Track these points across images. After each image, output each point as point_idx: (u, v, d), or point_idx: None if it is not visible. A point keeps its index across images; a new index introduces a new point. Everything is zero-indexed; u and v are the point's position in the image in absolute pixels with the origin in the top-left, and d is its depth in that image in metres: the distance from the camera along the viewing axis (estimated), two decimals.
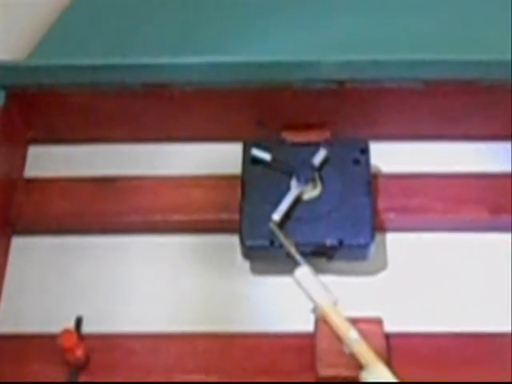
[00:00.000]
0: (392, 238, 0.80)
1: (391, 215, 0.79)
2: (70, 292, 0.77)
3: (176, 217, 0.80)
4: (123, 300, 0.77)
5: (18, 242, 0.80)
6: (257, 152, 0.78)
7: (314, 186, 0.77)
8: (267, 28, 0.90)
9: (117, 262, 0.79)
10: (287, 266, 0.74)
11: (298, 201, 0.77)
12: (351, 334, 0.69)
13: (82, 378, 0.70)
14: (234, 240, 0.77)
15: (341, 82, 0.80)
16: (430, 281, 0.78)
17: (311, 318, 0.73)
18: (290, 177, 0.77)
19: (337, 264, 0.77)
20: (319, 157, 0.78)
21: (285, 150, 0.79)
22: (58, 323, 0.72)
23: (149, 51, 0.83)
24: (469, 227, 0.80)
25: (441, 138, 0.85)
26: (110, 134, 0.84)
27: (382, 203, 0.79)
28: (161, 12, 0.87)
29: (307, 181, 0.76)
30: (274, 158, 0.78)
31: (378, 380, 0.67)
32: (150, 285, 0.78)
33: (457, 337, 0.72)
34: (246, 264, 0.79)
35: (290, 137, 0.81)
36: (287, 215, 0.76)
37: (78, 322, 0.73)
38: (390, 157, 0.83)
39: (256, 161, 0.79)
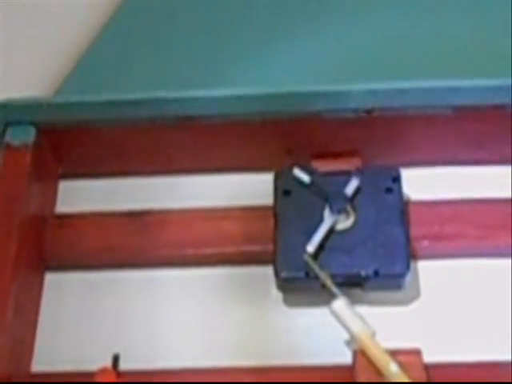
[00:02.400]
0: (424, 266, 0.80)
1: (424, 243, 0.79)
2: (104, 328, 0.77)
3: (207, 250, 0.79)
4: (158, 335, 0.77)
5: (51, 278, 0.80)
6: (298, 172, 0.78)
7: (347, 216, 0.77)
8: (288, 56, 0.90)
9: (150, 296, 0.79)
10: (321, 297, 0.74)
11: (331, 231, 0.76)
12: (391, 367, 0.69)
13: None
14: (266, 271, 0.77)
15: (369, 111, 0.80)
16: (465, 308, 0.77)
17: (347, 350, 0.73)
18: (323, 207, 0.77)
19: (370, 294, 0.77)
20: (351, 186, 0.78)
21: (316, 180, 0.79)
22: (93, 361, 0.72)
23: (176, 84, 0.83)
24: (502, 253, 0.79)
25: (471, 162, 0.84)
26: (139, 167, 0.85)
27: (414, 231, 0.79)
28: (186, 45, 0.88)
29: (340, 211, 0.76)
30: (304, 189, 0.78)
31: None
32: (184, 319, 0.78)
33: (496, 366, 0.72)
34: (280, 296, 0.78)
35: (320, 166, 0.81)
36: (321, 246, 0.76)
37: (115, 359, 0.72)
38: (420, 183, 0.83)
39: (288, 192, 0.79)
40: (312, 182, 0.78)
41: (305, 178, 0.79)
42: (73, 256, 0.80)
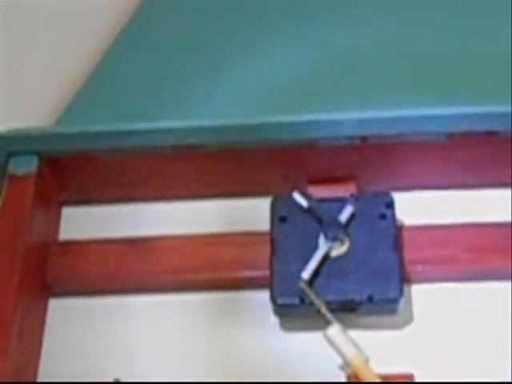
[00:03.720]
0: (418, 290, 0.81)
1: (418, 267, 0.81)
2: (106, 353, 0.79)
3: (206, 275, 0.81)
4: (159, 360, 0.79)
5: (54, 304, 0.82)
6: (297, 197, 0.80)
7: (342, 243, 0.79)
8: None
9: (151, 321, 0.81)
10: (317, 321, 0.76)
11: (326, 258, 0.78)
12: None
13: None
14: (264, 296, 0.78)
15: (363, 138, 0.82)
16: (458, 332, 0.79)
17: (342, 374, 0.75)
18: (318, 233, 0.79)
19: (364, 318, 0.79)
20: (346, 213, 0.80)
21: (312, 206, 0.81)
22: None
23: (177, 113, 0.85)
24: (496, 277, 0.81)
25: (464, 187, 0.86)
26: (140, 194, 0.87)
27: (408, 255, 0.80)
28: (185, 74, 0.90)
29: (335, 238, 0.78)
30: (300, 216, 0.80)
31: None
32: (183, 344, 0.80)
33: None
34: (277, 320, 0.80)
35: (316, 191, 0.83)
36: (316, 272, 0.78)
37: None
38: (414, 208, 0.85)
39: (284, 219, 0.81)
40: (308, 208, 0.80)
41: (303, 202, 0.81)
42: (75, 282, 0.82)
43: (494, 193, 0.86)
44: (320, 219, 0.79)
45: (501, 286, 0.81)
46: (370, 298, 0.76)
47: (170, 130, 0.80)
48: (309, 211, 0.80)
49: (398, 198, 0.82)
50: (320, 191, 0.83)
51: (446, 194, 0.86)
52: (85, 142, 0.81)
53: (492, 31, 0.95)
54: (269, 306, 0.78)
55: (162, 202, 0.87)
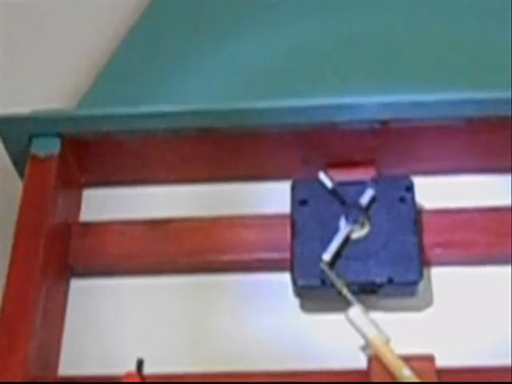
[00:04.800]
0: (437, 273, 0.82)
1: (437, 251, 0.81)
2: (128, 333, 0.80)
3: (227, 257, 0.82)
4: (182, 339, 0.79)
5: (76, 285, 0.83)
6: (323, 177, 0.81)
7: (362, 225, 0.79)
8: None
9: (172, 301, 0.82)
10: (338, 303, 0.77)
11: (347, 240, 0.79)
12: (405, 372, 0.71)
13: None
14: (284, 278, 0.79)
15: (384, 122, 0.82)
16: (477, 314, 0.79)
17: (362, 355, 0.76)
18: (339, 216, 0.80)
19: (385, 300, 0.80)
20: (366, 196, 0.80)
21: (335, 187, 0.81)
22: (118, 365, 0.75)
23: (199, 96, 0.86)
24: None
25: (483, 171, 0.86)
26: (162, 177, 0.87)
27: (427, 239, 0.81)
28: (207, 57, 0.90)
29: (355, 221, 0.79)
30: (321, 199, 0.81)
31: None
32: (205, 323, 0.81)
33: (508, 371, 0.74)
34: (297, 302, 0.81)
35: (336, 175, 0.83)
36: (337, 254, 0.78)
37: (140, 364, 0.75)
38: (433, 192, 0.85)
39: (304, 202, 0.81)
40: (332, 189, 0.81)
41: (328, 183, 0.81)
42: (97, 263, 0.83)
43: None
44: (343, 201, 0.80)
45: None
46: (390, 280, 0.77)
47: (192, 113, 0.81)
48: (332, 192, 0.81)
49: (418, 182, 0.82)
50: (339, 175, 0.83)
51: (465, 178, 0.86)
52: (106, 123, 0.81)
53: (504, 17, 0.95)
54: (288, 288, 0.79)
55: (185, 184, 0.87)
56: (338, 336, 0.78)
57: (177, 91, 0.89)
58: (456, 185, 0.86)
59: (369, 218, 0.80)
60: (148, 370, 0.76)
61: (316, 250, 0.78)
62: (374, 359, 0.73)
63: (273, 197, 0.85)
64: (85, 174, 0.87)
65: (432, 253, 0.81)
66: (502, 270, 0.81)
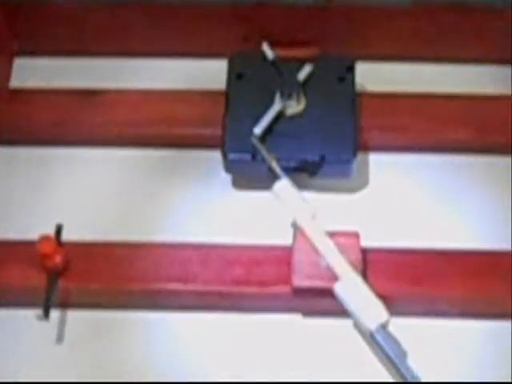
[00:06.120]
0: (374, 158, 0.80)
1: (375, 133, 0.79)
2: (51, 202, 0.78)
3: (158, 130, 0.80)
4: (103, 210, 0.78)
5: (2, 152, 0.80)
6: (266, 48, 0.78)
7: (298, 102, 0.77)
8: None
9: (98, 173, 0.80)
10: (269, 181, 0.75)
11: (281, 116, 0.77)
12: (327, 246, 0.70)
13: (61, 284, 0.71)
14: (217, 156, 0.77)
15: (328, 0, 0.79)
16: (410, 200, 0.78)
17: (291, 233, 0.74)
18: (275, 92, 0.77)
19: (319, 181, 0.78)
20: (304, 72, 0.78)
21: (270, 65, 0.79)
22: (38, 232, 0.73)
23: None
24: (452, 148, 0.80)
25: (427, 59, 0.84)
26: (95, 48, 0.84)
27: (365, 121, 0.79)
28: None
29: (291, 95, 0.76)
30: (258, 73, 0.78)
31: (352, 291, 0.68)
32: (129, 196, 0.79)
33: (430, 254, 0.73)
34: (228, 179, 0.79)
35: (276, 53, 0.80)
36: (270, 130, 0.76)
37: (58, 229, 0.73)
38: (376, 76, 0.83)
39: (241, 75, 0.79)
40: (273, 61, 0.78)
41: (269, 54, 0.78)
42: (23, 131, 0.80)
43: (454, 67, 0.84)
44: (281, 73, 0.77)
45: (456, 159, 0.80)
46: (323, 158, 0.75)
47: None
48: (272, 64, 0.78)
49: (360, 67, 0.80)
50: (280, 53, 0.80)
51: (408, 65, 0.84)
52: None
53: None
54: (221, 165, 0.77)
55: (118, 57, 0.84)
56: (267, 213, 0.77)
57: None
58: (399, 71, 0.84)
59: (305, 95, 0.77)
60: (68, 237, 0.74)
61: (249, 124, 0.76)
62: (299, 234, 0.72)
63: (209, 74, 0.83)
64: (16, 40, 0.84)
65: (369, 135, 0.79)
66: (437, 158, 0.80)
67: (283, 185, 0.72)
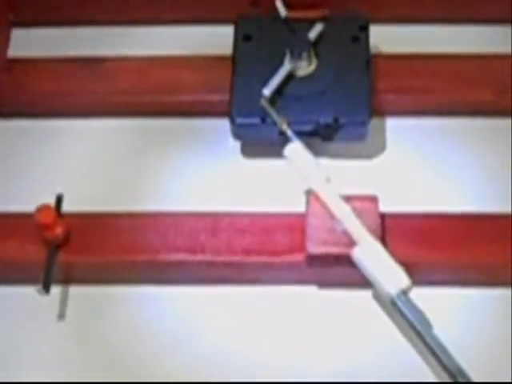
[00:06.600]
0: (391, 123, 0.76)
1: (390, 96, 0.75)
2: (54, 173, 0.75)
3: (164, 98, 0.76)
4: (107, 181, 0.74)
5: (1, 125, 0.77)
6: (279, 4, 0.74)
7: (309, 63, 0.73)
8: None
9: (102, 143, 0.76)
10: (280, 148, 0.70)
11: (292, 77, 0.73)
12: (343, 210, 0.66)
13: (62, 256, 0.68)
14: (224, 123, 0.73)
15: None
16: (428, 164, 0.74)
17: (304, 202, 0.70)
18: (285, 53, 0.73)
19: (333, 146, 0.74)
20: (315, 31, 0.74)
21: (280, 26, 0.75)
22: (39, 203, 0.69)
23: None
24: (470, 110, 0.76)
25: (444, 20, 0.80)
26: (96, 16, 0.81)
27: (381, 84, 0.75)
28: None
29: (301, 55, 0.72)
30: (266, 34, 0.74)
31: (371, 256, 0.64)
32: (134, 167, 0.75)
33: (449, 218, 0.69)
34: (237, 147, 0.75)
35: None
36: (280, 92, 0.72)
37: (59, 199, 0.69)
38: (392, 39, 0.79)
39: (249, 37, 0.75)
40: (285, 19, 0.74)
41: (282, 11, 0.75)
42: (23, 101, 0.77)
43: (472, 28, 0.80)
44: (292, 30, 0.74)
45: (475, 122, 0.76)
46: (336, 121, 0.71)
47: None
48: (283, 23, 0.74)
49: (376, 28, 0.75)
50: (290, 14, 0.76)
51: (424, 27, 0.80)
52: None
53: None
54: (229, 133, 0.73)
55: (121, 25, 0.81)
56: (278, 181, 0.73)
57: None
58: (416, 33, 0.80)
59: (317, 55, 0.73)
60: (69, 208, 0.70)
61: (257, 87, 0.72)
62: (313, 199, 0.67)
63: (216, 40, 0.79)
64: (14, 11, 0.80)
65: (385, 99, 0.75)
66: (456, 121, 0.76)
67: (295, 147, 0.68)
